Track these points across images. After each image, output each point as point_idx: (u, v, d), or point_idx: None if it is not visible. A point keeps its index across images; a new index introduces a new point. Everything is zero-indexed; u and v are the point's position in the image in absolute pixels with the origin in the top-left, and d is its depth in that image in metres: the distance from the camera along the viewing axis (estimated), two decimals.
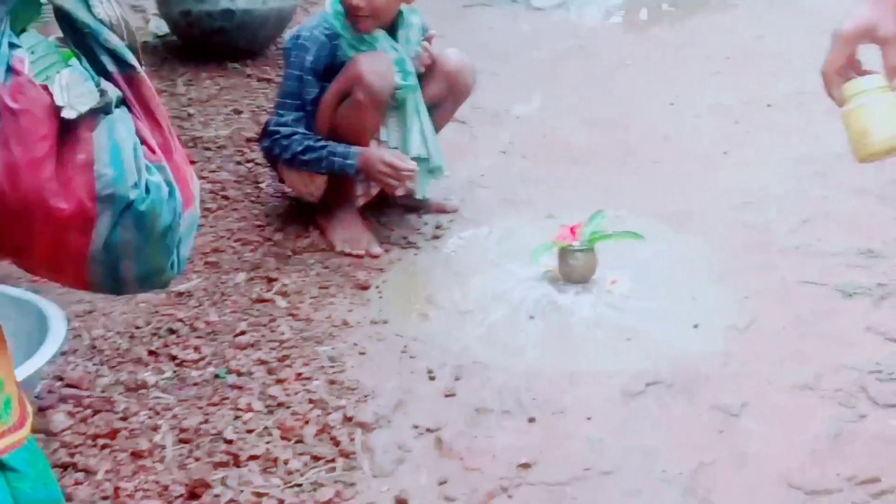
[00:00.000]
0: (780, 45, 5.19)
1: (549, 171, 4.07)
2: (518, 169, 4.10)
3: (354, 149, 3.36)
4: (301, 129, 3.38)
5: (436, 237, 3.58)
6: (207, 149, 4.10)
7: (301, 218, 3.61)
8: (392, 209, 3.71)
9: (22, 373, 2.21)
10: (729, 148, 4.18)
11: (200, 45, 4.82)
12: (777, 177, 3.93)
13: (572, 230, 3.24)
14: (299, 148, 3.37)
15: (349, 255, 3.42)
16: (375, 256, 3.43)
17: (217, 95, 4.53)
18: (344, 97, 3.35)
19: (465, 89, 3.68)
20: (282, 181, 3.61)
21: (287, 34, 3.58)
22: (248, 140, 4.16)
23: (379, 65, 3.33)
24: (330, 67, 3.39)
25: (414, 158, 3.46)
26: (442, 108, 3.67)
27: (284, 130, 3.39)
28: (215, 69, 4.76)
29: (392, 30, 3.48)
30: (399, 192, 3.62)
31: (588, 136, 4.38)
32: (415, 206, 3.72)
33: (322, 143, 3.37)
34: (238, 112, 4.39)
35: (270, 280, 3.24)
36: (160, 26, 5.05)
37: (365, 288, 3.22)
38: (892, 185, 3.78)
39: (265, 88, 4.62)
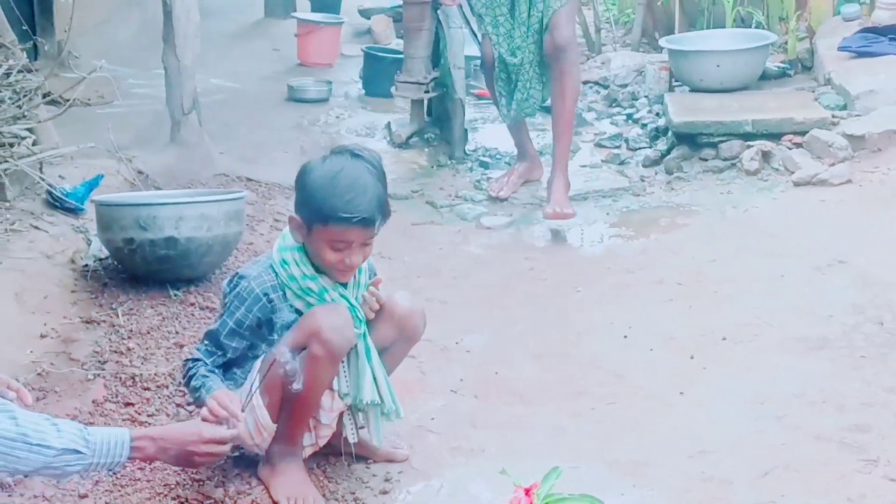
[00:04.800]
0: (732, 269, 5.15)
1: (500, 413, 3.96)
2: (469, 410, 3.98)
3: (216, 386, 3.25)
4: (207, 360, 3.31)
5: (384, 492, 3.43)
6: (147, 388, 3.95)
7: (244, 470, 3.45)
8: (339, 459, 3.56)
9: None
10: (684, 387, 4.08)
11: (143, 273, 4.72)
12: (734, 420, 3.83)
13: (527, 492, 3.11)
14: (192, 373, 3.30)
15: None
16: None
17: (158, 327, 4.40)
18: (300, 349, 3.26)
19: (415, 333, 3.61)
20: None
21: (232, 272, 3.47)
22: None
23: (338, 319, 3.27)
24: (265, 322, 3.34)
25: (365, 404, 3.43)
26: (392, 351, 3.58)
27: (194, 353, 3.35)
28: (157, 297, 4.63)
29: None
30: (351, 440, 3.51)
31: (540, 372, 4.28)
32: (363, 455, 3.58)
33: (209, 376, 3.28)
34: (180, 346, 4.26)
35: None
36: (102, 249, 4.94)
37: None
38: (852, 431, 3.69)
39: (208, 318, 4.49)
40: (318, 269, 3.35)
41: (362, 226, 3.24)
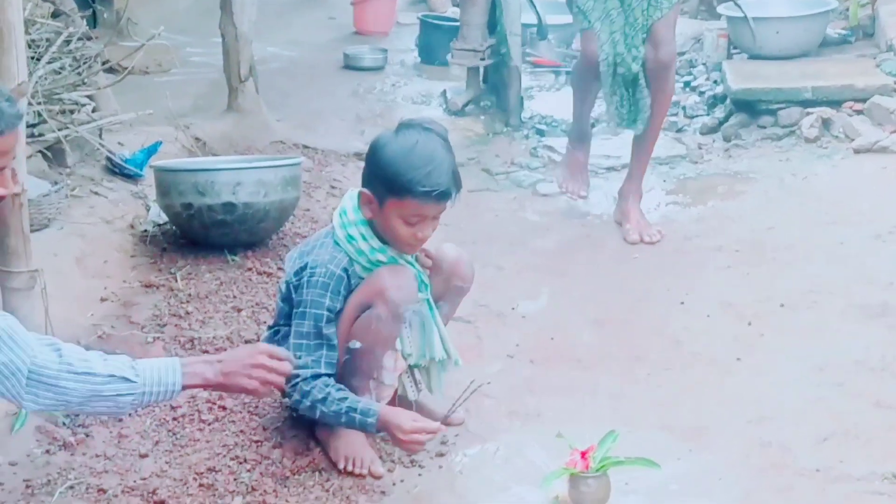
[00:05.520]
0: (791, 237, 5.09)
1: (557, 378, 3.96)
2: (525, 375, 3.99)
3: (375, 407, 3.24)
4: (323, 370, 3.27)
5: (440, 454, 3.46)
6: (205, 351, 3.98)
7: (301, 432, 3.49)
8: None
9: None
10: (742, 353, 4.06)
11: (201, 238, 4.75)
12: (793, 387, 3.81)
13: (583, 455, 3.12)
14: (320, 395, 3.24)
15: (351, 473, 3.32)
16: (378, 477, 3.32)
17: (216, 291, 4.43)
18: (364, 309, 3.30)
19: (465, 282, 3.65)
20: (283, 394, 3.47)
21: (294, 258, 3.44)
22: (247, 341, 4.05)
23: (403, 279, 3.31)
24: (346, 297, 3.35)
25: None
26: (444, 303, 3.63)
27: (304, 373, 3.25)
28: (215, 262, 4.67)
29: None
30: (412, 398, 3.58)
31: (597, 337, 4.27)
32: None
33: (342, 393, 3.24)
34: (238, 310, 4.29)
35: None
36: (161, 214, 4.98)
37: None
38: None
39: (265, 283, 4.53)
40: (383, 242, 3.36)
41: (440, 199, 3.25)
